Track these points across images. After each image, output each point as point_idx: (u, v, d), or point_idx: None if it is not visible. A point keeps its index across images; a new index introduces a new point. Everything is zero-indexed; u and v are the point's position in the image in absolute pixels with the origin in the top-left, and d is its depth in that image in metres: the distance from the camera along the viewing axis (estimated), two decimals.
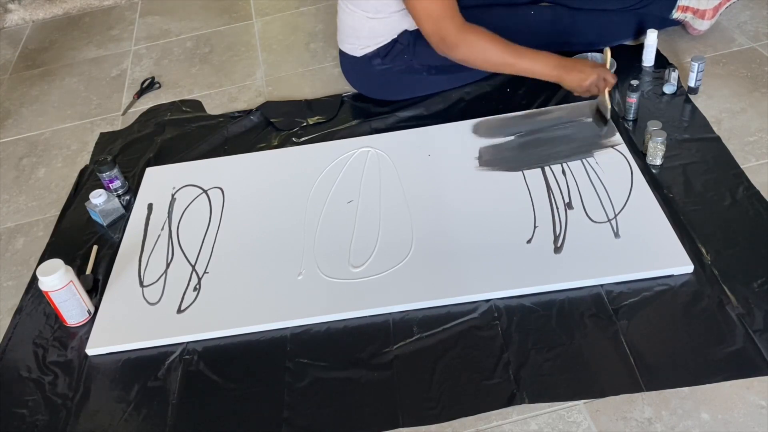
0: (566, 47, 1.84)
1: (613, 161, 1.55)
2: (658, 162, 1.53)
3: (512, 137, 1.64)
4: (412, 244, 1.44)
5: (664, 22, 1.88)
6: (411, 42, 1.74)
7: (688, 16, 1.81)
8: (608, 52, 1.64)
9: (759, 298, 1.24)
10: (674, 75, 1.72)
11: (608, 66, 1.61)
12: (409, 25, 1.72)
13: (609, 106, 1.60)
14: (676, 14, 1.84)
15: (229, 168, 1.75)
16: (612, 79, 1.58)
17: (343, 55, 1.86)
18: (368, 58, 1.79)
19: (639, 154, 1.57)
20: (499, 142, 1.64)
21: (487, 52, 1.56)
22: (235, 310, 1.38)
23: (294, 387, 1.24)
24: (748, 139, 1.58)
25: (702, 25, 1.83)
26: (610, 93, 1.61)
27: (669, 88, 1.73)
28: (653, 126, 1.55)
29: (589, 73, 1.56)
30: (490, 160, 1.59)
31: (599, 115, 1.65)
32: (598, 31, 1.85)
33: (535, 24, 1.82)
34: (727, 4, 1.82)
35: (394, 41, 1.75)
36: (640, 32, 1.88)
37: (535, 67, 1.58)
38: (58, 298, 1.38)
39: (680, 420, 1.10)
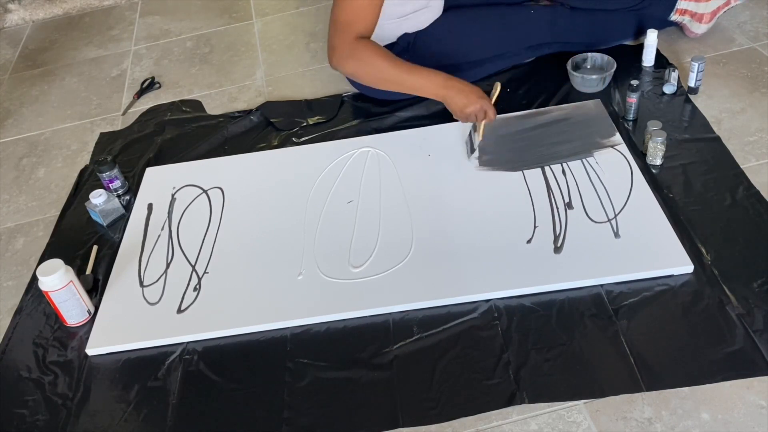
0: (567, 47, 1.84)
1: (613, 161, 1.55)
2: (658, 162, 1.53)
3: (512, 135, 1.63)
4: (412, 244, 1.44)
5: (662, 24, 1.88)
6: (410, 43, 1.74)
7: (685, 19, 1.81)
8: (498, 87, 1.58)
9: (759, 298, 1.24)
10: (674, 75, 1.72)
11: (493, 100, 1.56)
12: (409, 28, 1.72)
13: (480, 138, 1.57)
14: (674, 16, 1.84)
15: (229, 168, 1.75)
16: (492, 115, 1.53)
17: None
18: None
19: (639, 154, 1.57)
20: (498, 141, 1.64)
21: (375, 67, 1.51)
22: (235, 310, 1.38)
23: (294, 387, 1.24)
24: (748, 139, 1.58)
25: (699, 29, 1.83)
26: (484, 126, 1.56)
27: (669, 88, 1.73)
28: (653, 126, 1.55)
29: (473, 101, 1.50)
30: (490, 160, 1.59)
31: (470, 143, 1.61)
32: (597, 31, 1.85)
33: (535, 24, 1.82)
34: (725, 8, 1.82)
35: (393, 44, 1.75)
36: (640, 32, 1.88)
37: (423, 84, 1.52)
38: (58, 298, 1.38)
39: (680, 420, 1.10)
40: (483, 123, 1.55)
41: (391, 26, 1.72)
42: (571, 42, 1.84)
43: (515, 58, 1.86)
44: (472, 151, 1.60)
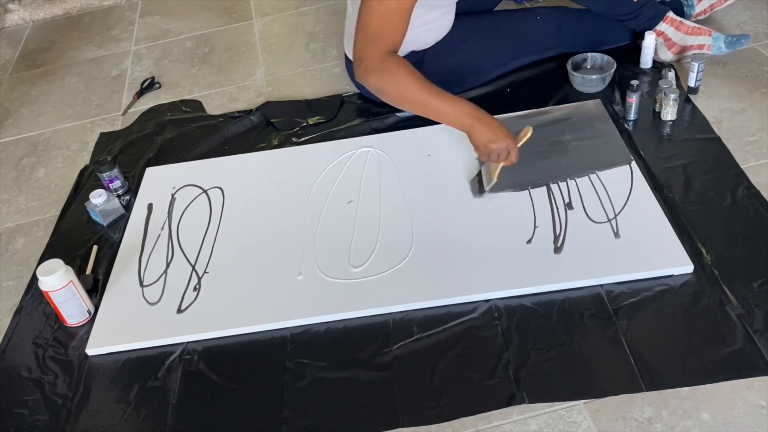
0: (569, 48, 1.84)
1: (615, 163, 1.54)
2: (671, 118, 1.62)
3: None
4: (412, 244, 1.44)
5: (631, 38, 1.88)
6: (417, 61, 1.74)
7: (659, 41, 1.81)
8: (529, 131, 1.46)
9: (759, 298, 1.24)
10: (671, 75, 1.72)
11: (520, 142, 1.45)
12: (418, 46, 1.72)
13: (494, 180, 1.47)
14: (653, 31, 1.82)
15: (229, 168, 1.75)
16: (514, 158, 1.43)
17: (348, 59, 1.85)
18: None
19: (639, 154, 1.57)
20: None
21: (404, 85, 1.43)
22: (235, 310, 1.38)
23: (294, 387, 1.24)
24: (748, 139, 1.58)
25: (665, 55, 1.82)
26: (501, 168, 1.46)
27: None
28: (665, 84, 1.62)
29: (500, 138, 1.40)
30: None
31: (478, 181, 1.52)
32: (601, 33, 1.85)
33: (542, 30, 1.82)
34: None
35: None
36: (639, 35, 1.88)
37: (449, 111, 1.43)
38: (58, 298, 1.38)
39: (680, 420, 1.10)
40: (501, 165, 1.45)
41: (408, 38, 1.70)
42: (574, 43, 1.83)
43: (519, 62, 1.86)
44: (481, 192, 1.50)
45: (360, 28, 1.46)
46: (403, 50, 1.73)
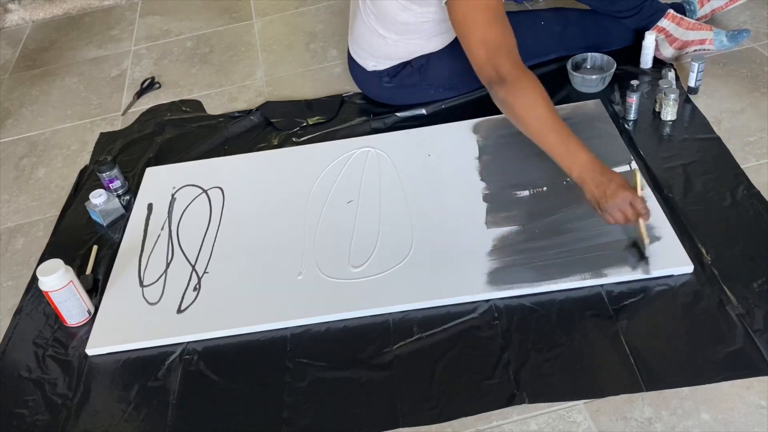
0: (571, 51, 1.83)
1: (615, 163, 1.54)
2: (671, 118, 1.62)
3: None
4: (412, 244, 1.44)
5: (632, 36, 1.87)
6: (423, 65, 1.74)
7: (660, 37, 1.81)
8: (637, 174, 1.31)
9: (759, 298, 1.24)
10: (670, 75, 1.72)
11: (639, 191, 1.29)
12: (428, 50, 1.72)
13: (646, 242, 1.30)
14: (653, 32, 1.82)
15: (229, 168, 1.75)
16: (641, 208, 1.26)
17: (351, 58, 1.85)
18: (377, 75, 1.79)
19: (639, 154, 1.57)
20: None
21: (533, 105, 1.34)
22: (235, 310, 1.38)
23: (294, 387, 1.24)
24: (748, 139, 1.58)
25: (666, 51, 1.82)
26: (644, 227, 1.30)
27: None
28: (665, 84, 1.62)
29: (612, 195, 1.25)
30: (491, 169, 1.52)
31: (633, 246, 1.35)
32: (603, 35, 1.84)
33: (545, 34, 1.82)
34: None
35: (406, 63, 1.75)
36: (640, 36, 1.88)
37: (564, 151, 1.31)
38: (58, 298, 1.38)
39: (680, 420, 1.10)
40: (641, 222, 1.29)
41: (412, 46, 1.71)
42: (577, 48, 1.83)
43: None
44: (643, 258, 1.32)
45: (478, 44, 1.40)
46: (412, 54, 1.73)
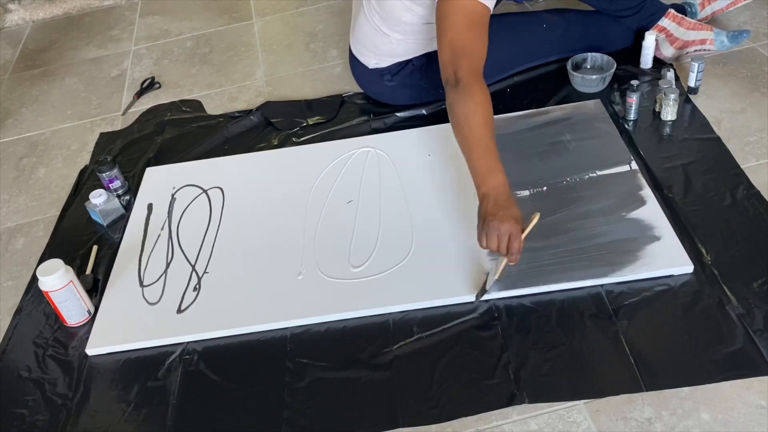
0: (572, 53, 1.83)
1: (615, 163, 1.55)
2: (671, 118, 1.62)
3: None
4: (412, 244, 1.44)
5: (632, 37, 1.87)
6: (424, 63, 1.74)
7: (660, 36, 1.81)
8: (536, 217, 1.27)
9: (759, 298, 1.24)
10: (670, 75, 1.72)
11: (525, 233, 1.25)
12: (429, 49, 1.72)
13: (496, 277, 1.28)
14: (653, 32, 1.82)
15: (229, 168, 1.75)
16: (515, 247, 1.23)
17: (353, 56, 1.85)
18: (379, 73, 1.79)
19: (639, 154, 1.57)
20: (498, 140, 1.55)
21: (472, 114, 1.33)
22: (235, 310, 1.38)
23: (294, 387, 1.24)
24: (748, 139, 1.58)
25: (667, 50, 1.82)
26: (504, 265, 1.27)
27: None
28: (665, 84, 1.62)
29: (503, 218, 1.22)
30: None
31: (483, 283, 1.32)
32: (603, 37, 1.84)
33: (547, 38, 1.82)
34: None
35: (408, 61, 1.75)
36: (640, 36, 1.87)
37: (483, 166, 1.30)
38: (58, 298, 1.37)
39: (680, 420, 1.10)
40: (504, 261, 1.26)
41: (414, 45, 1.71)
42: (577, 49, 1.83)
43: (521, 68, 1.86)
44: (483, 293, 1.31)
45: (446, 44, 1.41)
46: (414, 53, 1.73)
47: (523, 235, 1.24)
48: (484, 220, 1.26)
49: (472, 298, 1.31)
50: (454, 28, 1.42)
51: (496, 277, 1.28)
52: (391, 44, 1.71)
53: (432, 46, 1.72)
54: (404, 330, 1.30)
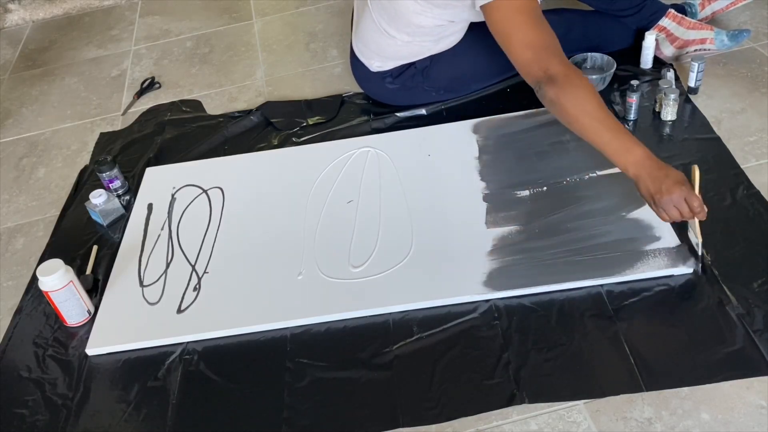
0: (572, 53, 1.82)
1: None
2: (671, 118, 1.62)
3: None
4: (412, 244, 1.44)
5: (632, 37, 1.87)
6: (426, 66, 1.74)
7: (660, 36, 1.81)
8: (696, 171, 1.26)
9: (759, 298, 1.24)
10: (670, 75, 1.72)
11: (697, 188, 1.26)
12: (434, 51, 1.72)
13: (699, 240, 1.28)
14: (653, 31, 1.82)
15: (229, 168, 1.75)
16: (697, 206, 1.24)
17: (355, 57, 1.85)
18: (381, 75, 1.79)
19: None
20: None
21: (584, 103, 1.33)
22: (235, 310, 1.38)
23: (294, 387, 1.24)
24: (748, 139, 1.58)
25: (667, 50, 1.82)
26: (698, 225, 1.28)
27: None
28: (665, 84, 1.62)
29: (668, 190, 1.24)
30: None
31: (689, 248, 1.33)
32: (603, 37, 1.84)
33: None
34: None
35: (410, 64, 1.75)
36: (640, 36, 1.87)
37: (618, 147, 1.31)
38: (58, 298, 1.37)
39: (680, 420, 1.10)
40: (696, 221, 1.27)
41: (418, 48, 1.71)
42: (578, 49, 1.83)
43: None
44: (697, 257, 1.31)
45: (522, 46, 1.41)
46: (419, 55, 1.73)
47: (697, 191, 1.25)
48: (652, 199, 1.27)
49: (472, 298, 1.31)
50: (522, 28, 1.41)
51: (700, 240, 1.28)
52: (397, 46, 1.71)
53: (437, 49, 1.72)
54: (404, 330, 1.30)
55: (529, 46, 1.41)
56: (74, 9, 2.81)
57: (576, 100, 1.34)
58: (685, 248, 1.32)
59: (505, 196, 1.51)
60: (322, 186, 1.63)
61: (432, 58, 1.73)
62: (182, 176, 1.74)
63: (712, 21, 1.93)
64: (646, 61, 1.81)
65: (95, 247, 1.61)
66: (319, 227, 1.53)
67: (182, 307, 1.40)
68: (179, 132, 1.95)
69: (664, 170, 1.27)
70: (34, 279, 1.53)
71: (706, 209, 1.26)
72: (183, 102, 2.10)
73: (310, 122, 1.88)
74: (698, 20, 1.89)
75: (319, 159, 1.71)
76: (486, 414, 1.15)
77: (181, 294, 1.43)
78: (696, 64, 1.66)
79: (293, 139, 1.84)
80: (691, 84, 1.70)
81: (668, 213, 1.26)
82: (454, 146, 1.67)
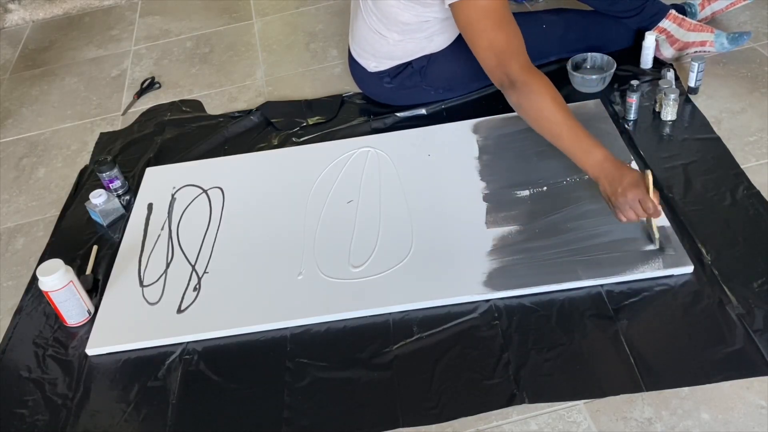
0: (571, 53, 1.83)
1: None
2: (671, 118, 1.62)
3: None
4: (412, 244, 1.44)
5: (632, 38, 1.87)
6: (424, 65, 1.74)
7: (661, 37, 1.81)
8: (649, 174, 1.27)
9: (759, 298, 1.24)
10: (670, 75, 1.72)
11: (650, 190, 1.27)
12: (429, 50, 1.72)
13: (657, 236, 1.32)
14: (653, 32, 1.82)
15: (229, 168, 1.75)
16: (650, 208, 1.26)
17: (353, 58, 1.85)
18: (378, 75, 1.79)
19: (639, 154, 1.57)
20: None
21: (543, 107, 1.36)
22: (235, 310, 1.38)
23: (294, 387, 1.24)
24: (748, 139, 1.58)
25: (667, 51, 1.82)
26: (655, 224, 1.32)
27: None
28: (665, 84, 1.62)
29: (626, 190, 1.27)
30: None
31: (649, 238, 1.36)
32: (603, 37, 1.84)
33: (547, 38, 1.81)
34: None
35: (407, 64, 1.75)
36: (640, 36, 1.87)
37: (578, 149, 1.34)
38: (58, 298, 1.37)
39: (680, 420, 1.10)
40: (652, 221, 1.31)
41: (413, 47, 1.71)
42: (577, 49, 1.83)
43: None
44: (662, 248, 1.34)
45: (485, 50, 1.43)
46: (414, 54, 1.73)
47: (650, 194, 1.27)
48: (609, 200, 1.31)
49: (472, 298, 1.31)
50: (485, 33, 1.42)
51: (657, 235, 1.32)
52: (390, 45, 1.71)
53: (431, 47, 1.72)
54: (404, 330, 1.30)
55: (491, 50, 1.43)
56: (74, 9, 2.81)
57: (535, 104, 1.38)
58: (685, 248, 1.32)
59: (505, 196, 1.51)
60: (322, 186, 1.63)
61: (429, 58, 1.73)
62: (182, 176, 1.74)
63: (712, 21, 1.94)
64: (646, 61, 1.81)
65: (95, 247, 1.61)
66: (319, 227, 1.53)
67: (182, 307, 1.40)
68: (179, 132, 1.95)
69: (621, 171, 1.30)
70: (34, 279, 1.53)
71: (660, 209, 1.30)
72: (183, 102, 2.10)
73: (310, 122, 1.88)
74: (698, 20, 1.89)
75: (319, 159, 1.71)
76: (486, 414, 1.15)
77: (181, 294, 1.43)
78: (696, 64, 1.66)
79: (293, 139, 1.84)
80: (691, 84, 1.70)
81: (625, 215, 1.29)
82: (454, 146, 1.67)
